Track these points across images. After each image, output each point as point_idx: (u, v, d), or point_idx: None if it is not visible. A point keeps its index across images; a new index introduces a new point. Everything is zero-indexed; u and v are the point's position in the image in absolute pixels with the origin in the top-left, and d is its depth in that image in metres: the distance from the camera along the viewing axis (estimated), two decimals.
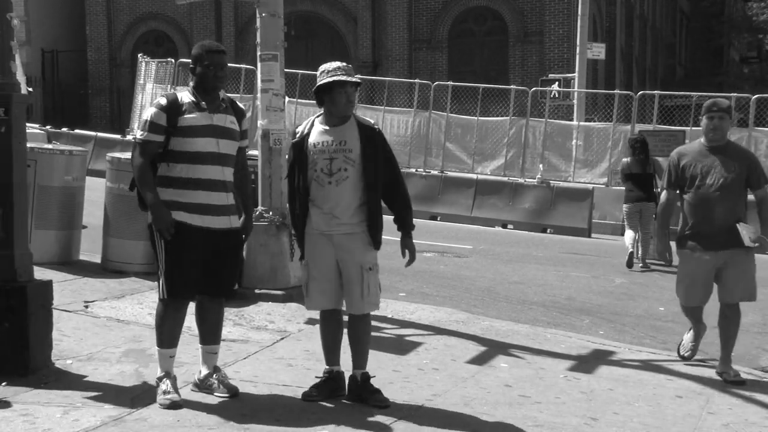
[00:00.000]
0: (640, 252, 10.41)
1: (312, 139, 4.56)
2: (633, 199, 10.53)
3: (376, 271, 4.59)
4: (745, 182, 5.51)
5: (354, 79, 4.54)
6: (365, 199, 4.53)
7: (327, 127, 4.56)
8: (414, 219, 4.74)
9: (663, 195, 5.74)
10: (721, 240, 5.45)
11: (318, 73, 4.57)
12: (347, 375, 4.68)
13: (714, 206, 5.43)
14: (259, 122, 7.20)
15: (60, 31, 29.89)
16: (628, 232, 10.71)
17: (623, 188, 10.92)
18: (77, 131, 20.58)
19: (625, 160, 10.96)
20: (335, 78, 4.48)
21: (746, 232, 5.39)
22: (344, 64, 4.59)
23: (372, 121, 4.70)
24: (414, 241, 4.68)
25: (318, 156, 4.53)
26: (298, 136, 4.61)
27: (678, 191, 5.63)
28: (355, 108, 5.10)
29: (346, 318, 4.70)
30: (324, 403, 4.51)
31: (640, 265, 10.39)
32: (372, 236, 4.54)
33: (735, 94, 17.24)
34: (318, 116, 4.64)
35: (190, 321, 6.17)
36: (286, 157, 4.77)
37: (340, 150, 4.52)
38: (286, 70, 7.44)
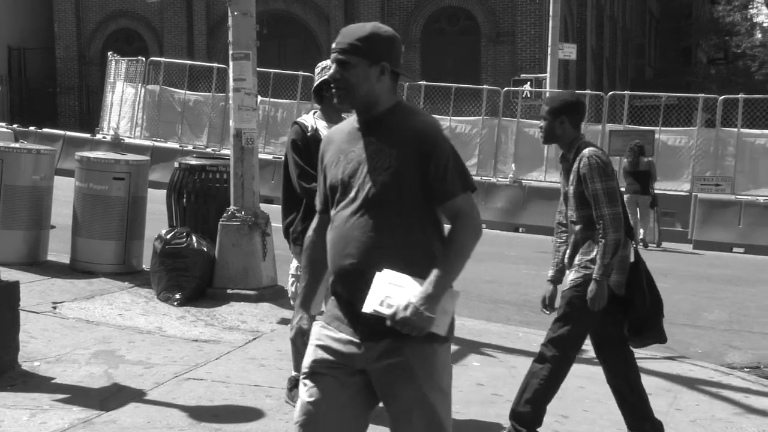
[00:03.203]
0: (641, 234, 13.21)
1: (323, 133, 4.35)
2: (631, 191, 13.33)
3: None
4: (418, 187, 2.53)
5: None
6: None
7: (327, 124, 4.41)
8: None
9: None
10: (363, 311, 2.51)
11: (319, 69, 4.43)
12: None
13: (353, 241, 2.55)
14: (231, 122, 7.15)
15: (27, 28, 29.46)
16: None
17: None
18: (45, 130, 20.32)
19: (626, 159, 13.90)
20: None
21: (384, 289, 2.46)
22: None
23: None
24: None
25: None
26: (310, 129, 4.29)
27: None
28: None
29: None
30: (292, 404, 4.49)
31: (640, 245, 12.33)
32: None
33: (702, 95, 17.48)
34: (314, 113, 4.48)
35: (161, 321, 6.13)
36: (293, 157, 4.23)
37: None
38: (258, 69, 7.40)
